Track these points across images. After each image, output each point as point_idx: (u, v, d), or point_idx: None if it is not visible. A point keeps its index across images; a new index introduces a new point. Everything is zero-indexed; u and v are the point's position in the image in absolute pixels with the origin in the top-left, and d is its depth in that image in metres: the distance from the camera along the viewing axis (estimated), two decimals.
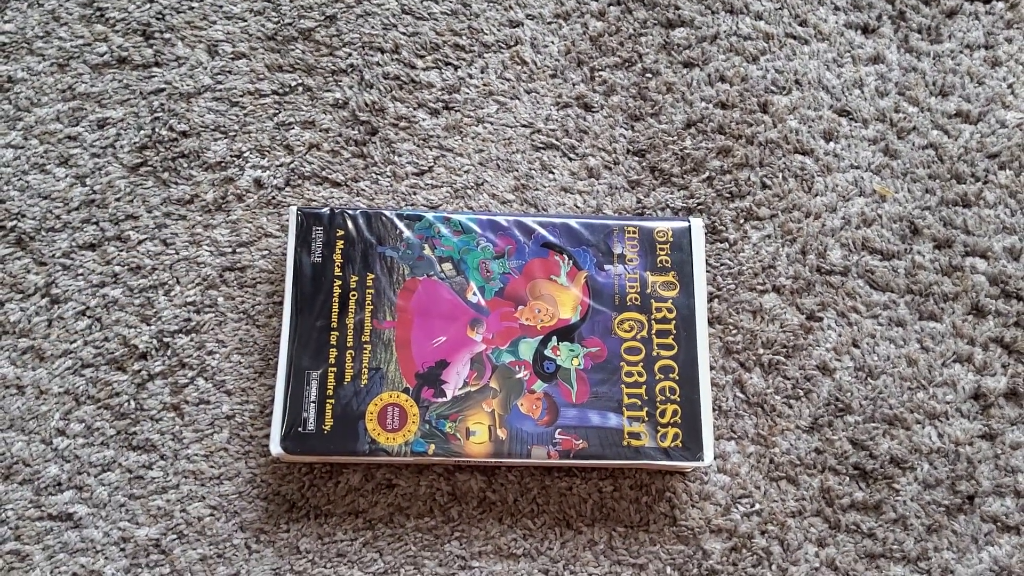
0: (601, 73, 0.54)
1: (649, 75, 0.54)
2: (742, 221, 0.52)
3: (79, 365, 0.49)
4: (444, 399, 0.45)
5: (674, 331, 0.47)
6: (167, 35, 0.54)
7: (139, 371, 0.49)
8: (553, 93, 0.54)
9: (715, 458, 0.48)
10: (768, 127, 0.53)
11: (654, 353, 0.46)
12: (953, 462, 0.48)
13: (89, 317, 0.50)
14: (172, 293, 0.50)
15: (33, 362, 0.49)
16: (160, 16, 0.54)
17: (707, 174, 0.52)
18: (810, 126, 0.53)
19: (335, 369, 0.45)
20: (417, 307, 0.47)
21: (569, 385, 0.46)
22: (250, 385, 0.49)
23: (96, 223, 0.51)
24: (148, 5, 0.54)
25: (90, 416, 0.48)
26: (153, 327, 0.49)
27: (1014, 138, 0.53)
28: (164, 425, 0.48)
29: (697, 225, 0.49)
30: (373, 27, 0.54)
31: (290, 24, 0.54)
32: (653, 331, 0.47)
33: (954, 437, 0.49)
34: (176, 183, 0.52)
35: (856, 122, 0.53)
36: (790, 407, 0.49)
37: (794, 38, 0.55)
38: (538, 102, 0.53)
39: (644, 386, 0.46)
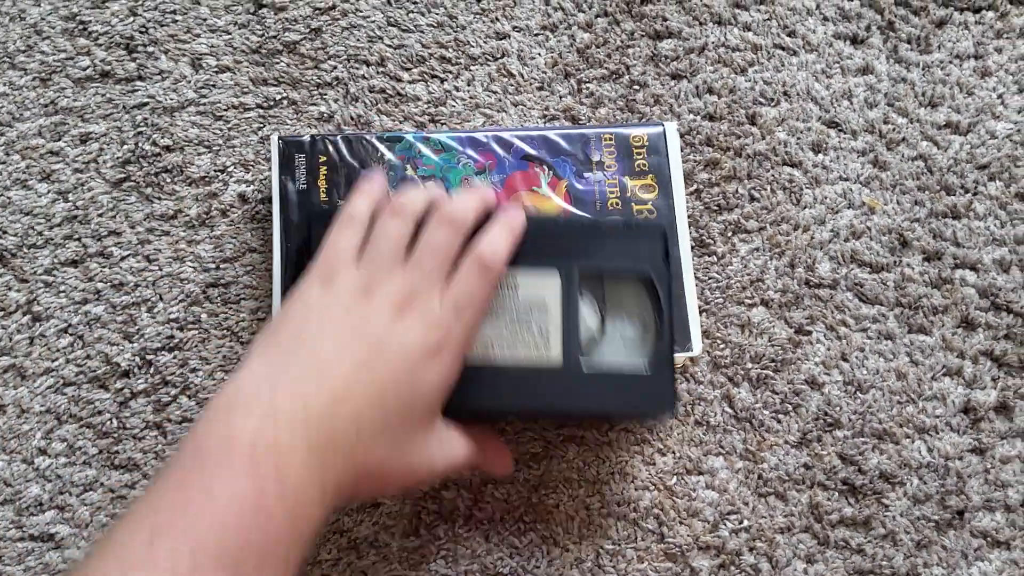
0: (588, 85, 0.54)
1: (637, 87, 0.53)
2: (730, 234, 0.51)
3: (61, 383, 0.48)
4: None
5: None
6: (150, 48, 0.53)
7: (122, 389, 0.48)
8: (540, 105, 0.53)
9: (701, 351, 0.48)
10: (756, 139, 0.53)
11: None
12: (943, 477, 0.48)
13: (71, 335, 0.49)
14: (155, 310, 0.49)
15: (15, 380, 0.48)
16: (143, 29, 0.54)
17: (695, 187, 0.52)
18: (799, 138, 0.53)
19: None
20: None
21: None
22: None
23: (78, 239, 0.50)
24: (131, 18, 0.54)
25: (72, 435, 0.48)
26: (136, 344, 0.49)
27: (1004, 149, 0.53)
28: (147, 444, 0.48)
29: (671, 128, 0.50)
30: (358, 40, 0.54)
31: (275, 37, 0.54)
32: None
33: (944, 451, 0.48)
34: (159, 198, 0.51)
35: (845, 134, 0.53)
36: (779, 422, 0.49)
37: (782, 49, 0.54)
38: (525, 115, 0.53)
39: None
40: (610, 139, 0.49)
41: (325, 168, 0.48)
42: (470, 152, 0.49)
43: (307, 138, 0.48)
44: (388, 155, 0.48)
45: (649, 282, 0.43)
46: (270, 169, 0.50)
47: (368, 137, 0.49)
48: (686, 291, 0.47)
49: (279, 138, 0.48)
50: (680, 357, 0.47)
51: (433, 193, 0.42)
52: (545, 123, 0.53)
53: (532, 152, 0.49)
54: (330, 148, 0.48)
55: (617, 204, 0.48)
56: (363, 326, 0.38)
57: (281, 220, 0.47)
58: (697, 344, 0.46)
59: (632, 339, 0.44)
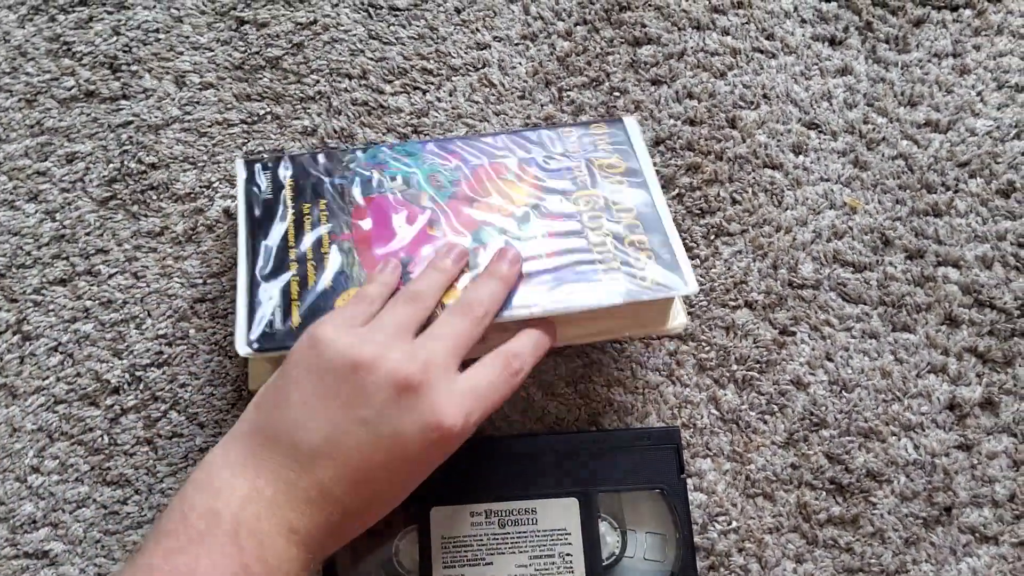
0: (569, 93, 0.54)
1: (617, 93, 0.54)
2: (712, 237, 0.52)
3: (52, 401, 0.49)
4: None
5: (628, 193, 0.47)
6: (134, 67, 0.54)
7: (112, 406, 0.49)
8: (522, 114, 0.54)
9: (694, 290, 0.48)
10: (737, 142, 0.53)
11: (615, 214, 0.46)
12: (930, 474, 0.48)
13: (61, 353, 0.49)
14: (144, 326, 0.50)
15: (6, 400, 0.49)
16: (127, 48, 0.54)
17: (676, 191, 0.52)
18: (779, 140, 0.53)
19: (297, 278, 0.44)
20: (374, 217, 0.46)
21: (538, 255, 0.44)
22: (223, 417, 0.48)
23: (66, 258, 0.51)
24: (115, 38, 0.54)
25: (64, 452, 0.48)
26: (125, 361, 0.49)
27: (984, 146, 0.53)
28: (138, 459, 0.48)
29: (631, 121, 0.50)
30: (340, 54, 0.54)
31: (257, 53, 0.54)
32: (611, 201, 0.46)
33: (930, 448, 0.49)
34: (146, 215, 0.52)
35: (825, 135, 0.53)
36: (765, 423, 0.49)
37: (761, 52, 0.55)
38: (507, 123, 0.53)
39: (613, 240, 0.45)
40: (570, 132, 0.49)
41: (291, 180, 0.47)
42: (436, 153, 0.48)
43: (270, 156, 0.49)
44: (354, 164, 0.48)
45: (665, 496, 0.45)
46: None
47: (333, 151, 0.49)
48: (669, 235, 0.45)
49: (243, 157, 0.48)
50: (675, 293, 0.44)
51: (448, 279, 0.42)
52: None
53: (497, 151, 0.48)
54: (294, 165, 0.48)
55: (585, 180, 0.47)
56: (357, 404, 0.36)
57: (247, 223, 0.46)
58: (692, 283, 0.43)
59: (654, 550, 0.45)
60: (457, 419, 0.36)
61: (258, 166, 0.48)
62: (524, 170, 0.48)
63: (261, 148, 0.52)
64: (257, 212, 0.46)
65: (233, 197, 0.52)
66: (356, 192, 0.47)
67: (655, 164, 0.53)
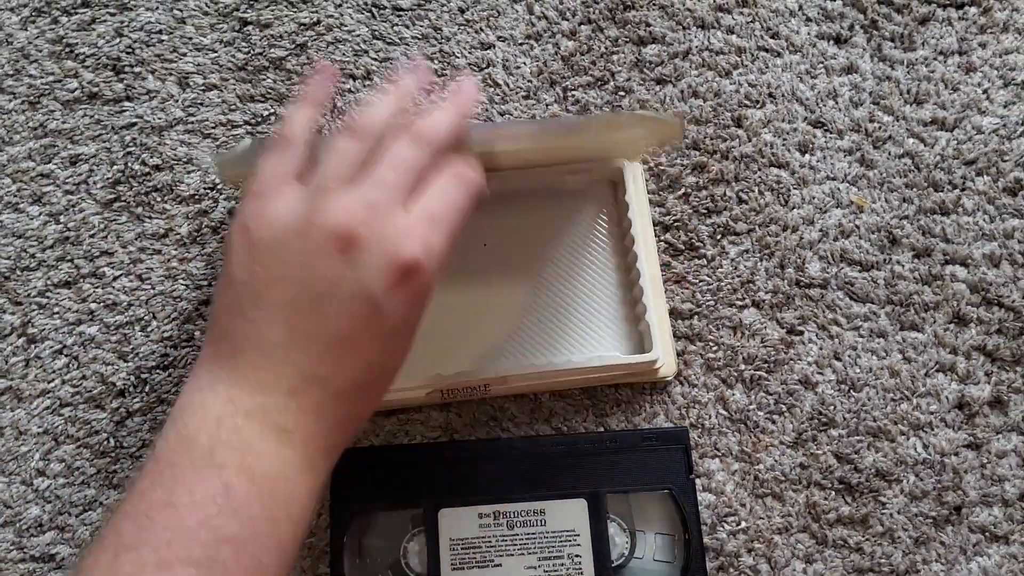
0: (574, 92, 0.54)
1: (622, 93, 0.54)
2: (719, 237, 0.51)
3: (57, 404, 0.49)
4: None
5: None
6: (137, 69, 0.54)
7: (118, 408, 0.49)
8: (527, 114, 0.53)
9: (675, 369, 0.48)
10: (743, 141, 0.53)
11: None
12: (939, 473, 0.48)
13: (66, 356, 0.49)
14: (149, 328, 0.50)
15: (11, 403, 0.49)
16: (130, 50, 0.54)
17: (683, 190, 0.52)
18: (785, 139, 0.53)
19: None
20: None
21: None
22: None
23: (71, 260, 0.51)
24: (118, 39, 0.54)
25: (70, 455, 0.48)
26: (131, 364, 0.49)
27: (991, 144, 0.53)
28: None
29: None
30: (344, 54, 0.54)
31: (260, 54, 0.54)
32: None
33: (939, 448, 0.48)
34: (150, 217, 0.51)
35: (831, 133, 0.53)
36: (773, 423, 0.49)
37: (766, 51, 0.55)
38: None
39: None
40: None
41: None
42: None
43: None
44: None
45: (674, 496, 0.45)
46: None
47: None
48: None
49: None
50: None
51: (398, 104, 0.37)
52: None
53: None
54: None
55: None
56: (310, 275, 0.33)
57: None
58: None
59: (663, 551, 0.45)
60: (415, 248, 0.33)
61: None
62: None
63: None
64: None
65: (237, 199, 0.52)
66: None
67: (661, 163, 0.53)
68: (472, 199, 0.36)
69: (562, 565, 0.43)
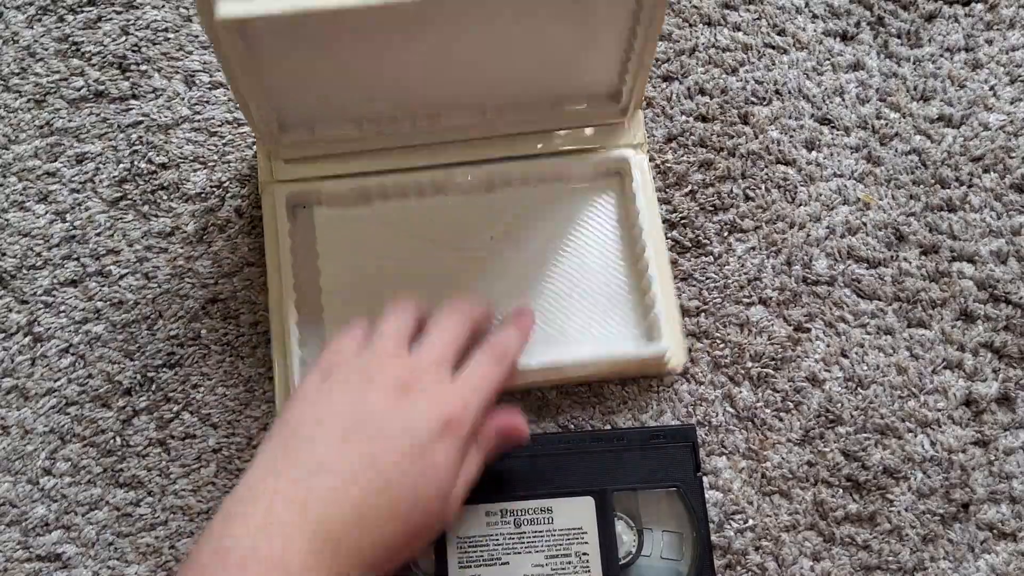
0: None
1: None
2: (726, 234, 0.51)
3: (64, 403, 0.49)
4: None
5: None
6: (143, 67, 0.54)
7: (124, 407, 0.48)
8: None
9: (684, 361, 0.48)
10: (749, 138, 0.53)
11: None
12: (947, 470, 0.48)
13: (73, 354, 0.49)
14: (155, 327, 0.50)
15: (17, 402, 0.49)
16: (136, 48, 0.54)
17: (689, 188, 0.52)
18: (791, 136, 0.53)
19: None
20: None
21: None
22: (236, 418, 0.48)
23: (77, 259, 0.51)
24: (124, 38, 0.54)
25: (76, 454, 0.48)
26: (137, 362, 0.49)
27: (998, 140, 0.53)
28: (151, 461, 0.48)
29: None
30: None
31: None
32: None
33: (947, 445, 0.48)
34: (156, 216, 0.51)
35: (838, 130, 0.53)
36: (780, 420, 0.49)
37: (773, 48, 0.54)
38: None
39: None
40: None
41: None
42: None
43: None
44: None
45: (682, 494, 0.45)
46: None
47: None
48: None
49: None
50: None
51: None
52: None
53: None
54: None
55: None
56: (363, 414, 0.37)
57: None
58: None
59: (671, 549, 0.45)
60: (456, 406, 0.37)
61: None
62: None
63: None
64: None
65: (243, 197, 0.52)
66: None
67: (668, 161, 0.52)
68: (505, 377, 0.40)
69: (569, 563, 0.43)
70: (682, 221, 0.52)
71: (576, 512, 0.44)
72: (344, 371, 0.38)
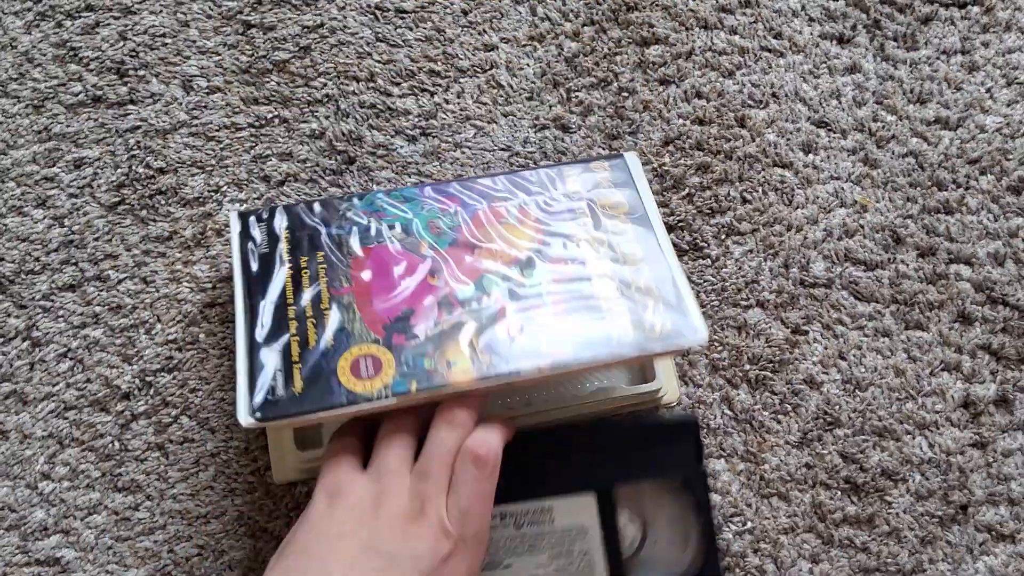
0: (577, 94, 0.54)
1: (625, 94, 0.54)
2: (723, 237, 0.51)
3: (62, 408, 0.49)
4: (417, 340, 0.42)
5: (633, 234, 0.46)
6: (141, 72, 0.54)
7: (122, 411, 0.48)
8: (530, 115, 0.54)
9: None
10: (746, 141, 0.53)
11: (621, 258, 0.45)
12: (945, 472, 0.48)
13: (71, 359, 0.49)
14: (153, 331, 0.50)
15: (16, 406, 0.49)
16: (134, 53, 0.54)
17: (687, 191, 0.52)
18: (788, 139, 0.53)
19: (297, 337, 0.43)
20: (373, 269, 0.45)
21: (543, 303, 0.44)
22: (234, 422, 0.48)
23: (75, 264, 0.51)
24: (121, 43, 0.54)
25: (75, 459, 0.48)
26: (135, 367, 0.49)
27: (994, 143, 0.53)
28: (149, 465, 0.48)
29: (632, 158, 0.48)
30: (348, 56, 0.54)
31: (264, 56, 0.54)
32: (616, 244, 0.45)
33: (945, 447, 0.48)
34: (154, 220, 0.52)
35: (835, 133, 0.53)
36: (778, 422, 0.49)
37: (769, 51, 0.55)
38: (515, 125, 0.53)
39: (620, 286, 0.44)
40: (571, 172, 0.48)
41: (287, 232, 0.46)
42: (433, 198, 0.47)
43: (265, 209, 0.47)
44: (351, 213, 0.47)
45: (686, 484, 0.44)
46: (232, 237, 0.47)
47: (328, 199, 0.48)
48: (677, 282, 0.44)
49: (238, 213, 0.47)
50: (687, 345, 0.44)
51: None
52: (535, 132, 0.53)
53: (496, 193, 0.47)
54: (289, 215, 0.47)
55: (588, 222, 0.46)
56: (374, 541, 0.37)
57: (244, 280, 0.44)
58: (703, 331, 0.43)
59: (675, 540, 0.45)
60: (461, 531, 0.38)
61: (252, 218, 0.46)
62: (525, 213, 0.46)
63: (267, 154, 0.52)
64: (254, 267, 0.45)
65: (241, 201, 0.52)
66: (354, 243, 0.45)
67: (665, 164, 0.53)
68: (492, 479, 0.40)
69: (572, 563, 0.43)
70: (679, 224, 0.52)
71: (577, 510, 0.44)
72: (351, 495, 0.39)
